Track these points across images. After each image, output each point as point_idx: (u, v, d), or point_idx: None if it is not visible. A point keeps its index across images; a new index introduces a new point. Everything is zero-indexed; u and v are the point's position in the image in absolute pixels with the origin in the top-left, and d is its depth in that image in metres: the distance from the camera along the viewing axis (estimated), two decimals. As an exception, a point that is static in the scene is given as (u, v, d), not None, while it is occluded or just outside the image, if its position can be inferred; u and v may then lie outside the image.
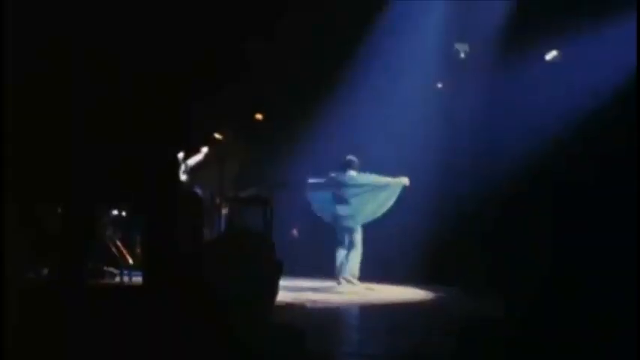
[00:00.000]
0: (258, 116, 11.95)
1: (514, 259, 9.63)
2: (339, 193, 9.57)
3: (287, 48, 10.94)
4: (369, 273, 9.88)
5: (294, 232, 11.09)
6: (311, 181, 9.78)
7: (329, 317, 7.35)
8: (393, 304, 8.48)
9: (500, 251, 9.75)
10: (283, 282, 9.19)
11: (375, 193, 9.59)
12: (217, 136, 9.89)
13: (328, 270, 9.89)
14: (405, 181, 9.58)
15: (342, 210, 9.56)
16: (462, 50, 10.87)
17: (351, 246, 9.56)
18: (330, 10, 10.58)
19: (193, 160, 9.86)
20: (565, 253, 8.99)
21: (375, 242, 9.92)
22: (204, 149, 9.85)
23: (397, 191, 9.59)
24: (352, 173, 9.58)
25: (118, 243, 8.37)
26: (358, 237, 9.55)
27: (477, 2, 10.42)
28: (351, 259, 9.49)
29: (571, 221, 9.26)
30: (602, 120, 8.98)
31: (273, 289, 4.31)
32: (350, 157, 9.64)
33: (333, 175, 9.64)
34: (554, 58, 9.88)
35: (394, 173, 9.80)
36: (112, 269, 8.05)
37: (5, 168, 3.90)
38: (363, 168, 9.78)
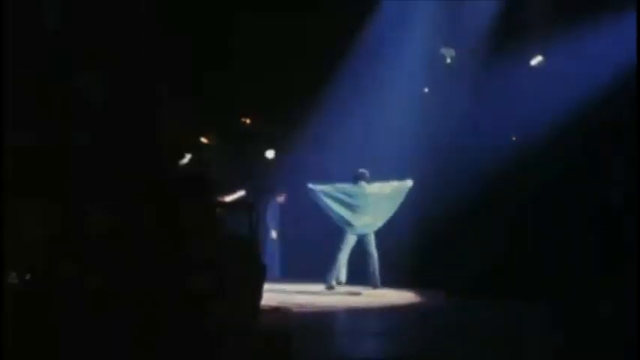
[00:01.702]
0: (246, 120, 11.93)
1: (500, 262, 9.68)
2: (352, 202, 9.78)
3: (277, 53, 10.94)
4: (356, 277, 9.89)
5: (273, 233, 11.15)
6: (311, 186, 9.85)
7: (315, 321, 7.33)
8: (380, 308, 8.48)
9: (484, 254, 9.79)
10: (270, 286, 9.22)
11: (386, 200, 9.86)
12: (203, 140, 9.88)
13: (312, 273, 9.92)
14: (409, 183, 9.85)
15: (356, 219, 9.77)
16: (448, 55, 10.92)
17: (368, 257, 9.72)
18: (319, 14, 10.59)
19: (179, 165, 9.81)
20: (544, 252, 9.07)
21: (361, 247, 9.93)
22: (188, 155, 9.85)
23: (404, 194, 9.89)
24: (364, 185, 9.80)
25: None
26: (372, 246, 9.73)
27: (463, 8, 10.47)
28: (373, 270, 9.68)
29: (558, 223, 9.32)
30: (587, 123, 9.06)
31: (258, 293, 4.30)
32: (362, 170, 9.90)
33: (346, 186, 9.85)
34: (539, 63, 9.95)
35: (383, 178, 9.90)
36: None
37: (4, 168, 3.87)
38: (350, 171, 9.90)
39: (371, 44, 11.07)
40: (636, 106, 8.28)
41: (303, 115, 11.45)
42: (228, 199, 10.46)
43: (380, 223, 9.88)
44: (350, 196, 9.85)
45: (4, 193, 3.96)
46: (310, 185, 9.89)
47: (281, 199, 11.33)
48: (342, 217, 9.79)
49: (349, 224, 9.78)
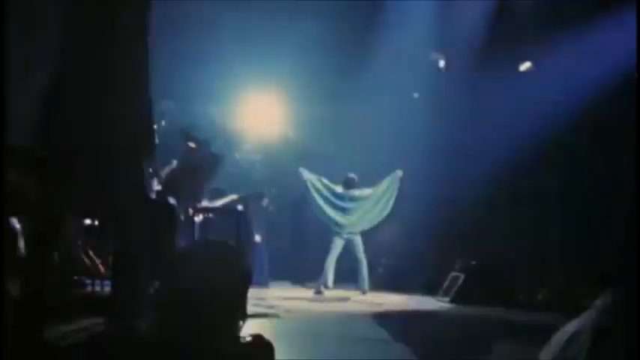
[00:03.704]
0: (236, 125, 11.90)
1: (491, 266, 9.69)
2: (340, 204, 9.74)
3: (267, 58, 10.93)
4: (345, 281, 9.89)
5: (257, 238, 11.14)
6: (303, 171, 9.78)
7: (303, 327, 7.29)
8: (369, 313, 8.46)
9: (475, 258, 9.81)
10: (258, 291, 9.18)
11: (375, 201, 9.83)
12: (191, 144, 9.82)
13: (300, 278, 9.89)
14: (399, 174, 9.80)
15: (343, 220, 9.71)
16: (439, 60, 10.95)
17: (357, 262, 9.70)
18: (313, 20, 10.59)
19: (167, 170, 9.79)
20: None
21: (348, 251, 9.93)
22: (175, 161, 9.84)
23: (395, 188, 9.87)
24: (354, 191, 9.77)
25: (90, 252, 8.27)
26: (361, 251, 9.67)
27: (454, 13, 10.50)
28: (361, 274, 9.65)
29: (552, 226, 9.34)
30: (575, 127, 9.11)
31: (242, 300, 4.25)
32: (351, 175, 9.88)
33: (336, 189, 9.78)
34: (528, 68, 10.00)
35: (373, 181, 9.91)
36: (83, 279, 7.94)
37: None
38: (340, 174, 9.92)
39: (367, 46, 11.08)
40: (636, 107, 8.27)
41: (294, 118, 11.47)
42: (219, 203, 10.44)
43: (371, 223, 9.84)
44: (339, 198, 9.81)
45: (3, 195, 3.91)
46: (302, 170, 9.81)
47: (265, 202, 11.33)
48: (329, 215, 9.74)
49: (336, 224, 9.73)
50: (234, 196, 10.48)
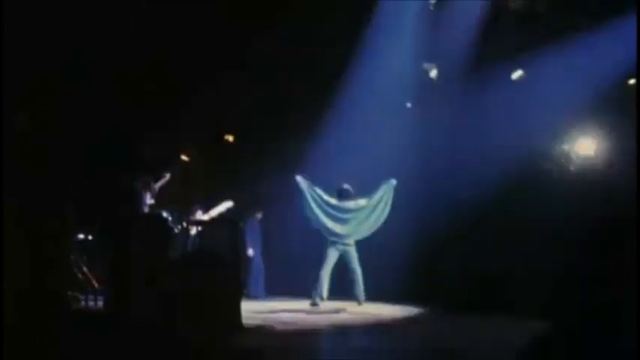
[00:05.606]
0: (229, 138, 11.92)
1: (485, 276, 9.68)
2: (336, 215, 9.71)
3: (258, 70, 10.93)
4: (340, 293, 9.86)
5: (250, 251, 11.11)
6: (299, 180, 9.73)
7: (298, 339, 7.26)
8: (364, 325, 8.43)
9: (469, 269, 9.79)
10: (254, 303, 9.15)
11: (370, 211, 9.76)
12: (184, 157, 9.83)
13: (296, 291, 9.84)
14: (393, 183, 9.79)
15: (338, 229, 9.68)
16: (430, 70, 10.96)
17: (351, 273, 9.64)
18: (302, 28, 10.59)
19: (160, 184, 9.80)
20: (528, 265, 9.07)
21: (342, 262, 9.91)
22: (168, 175, 9.83)
23: (390, 197, 9.79)
24: (348, 202, 9.74)
25: (84, 267, 8.26)
26: (355, 262, 9.63)
27: (445, 23, 10.53)
28: (357, 285, 9.58)
29: (548, 237, 9.33)
30: (567, 135, 9.12)
31: (236, 311, 4.25)
32: (345, 186, 9.81)
33: (329, 199, 9.76)
34: (520, 77, 10.02)
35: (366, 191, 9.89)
36: (77, 294, 7.92)
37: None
38: (333, 184, 9.88)
39: (359, 56, 11.09)
40: (636, 108, 8.28)
41: (286, 131, 11.46)
42: (214, 211, 10.43)
43: (367, 232, 9.79)
44: (334, 208, 9.75)
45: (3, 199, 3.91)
46: (298, 178, 9.72)
47: (259, 215, 11.32)
48: (325, 225, 9.68)
49: (332, 233, 9.67)
50: (228, 204, 10.47)
